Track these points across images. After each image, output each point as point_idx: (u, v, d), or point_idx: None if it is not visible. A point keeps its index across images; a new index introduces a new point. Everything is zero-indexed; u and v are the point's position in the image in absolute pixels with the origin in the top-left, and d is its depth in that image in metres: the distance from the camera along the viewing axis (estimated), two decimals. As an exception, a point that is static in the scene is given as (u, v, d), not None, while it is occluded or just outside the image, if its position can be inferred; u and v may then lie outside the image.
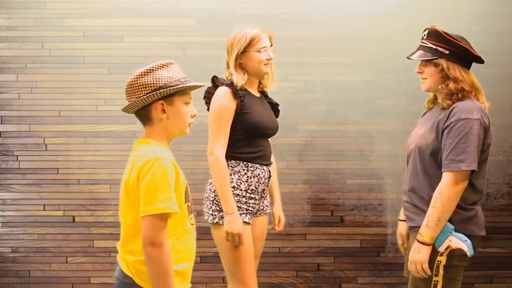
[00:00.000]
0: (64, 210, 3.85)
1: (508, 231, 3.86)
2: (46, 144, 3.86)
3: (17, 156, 3.86)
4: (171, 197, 1.92)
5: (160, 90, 1.98)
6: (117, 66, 3.81)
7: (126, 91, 2.03)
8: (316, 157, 3.87)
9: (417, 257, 2.37)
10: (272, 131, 2.92)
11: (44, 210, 3.85)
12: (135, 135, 3.82)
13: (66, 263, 3.86)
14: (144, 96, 1.98)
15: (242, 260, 2.77)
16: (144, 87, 1.99)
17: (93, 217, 3.84)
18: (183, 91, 2.04)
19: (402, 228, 2.70)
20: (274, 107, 3.02)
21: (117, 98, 3.75)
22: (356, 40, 3.87)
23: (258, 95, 2.93)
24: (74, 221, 3.86)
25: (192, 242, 2.08)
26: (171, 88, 1.98)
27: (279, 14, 3.86)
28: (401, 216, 2.71)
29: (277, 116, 3.02)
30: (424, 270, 2.36)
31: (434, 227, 2.33)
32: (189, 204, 2.10)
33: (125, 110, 2.06)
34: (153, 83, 1.98)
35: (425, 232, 2.35)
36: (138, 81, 2.00)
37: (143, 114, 2.03)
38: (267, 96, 3.02)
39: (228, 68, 2.87)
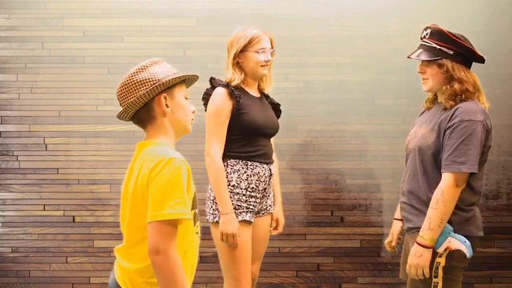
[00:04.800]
0: (64, 210, 3.85)
1: (508, 231, 3.86)
2: (46, 144, 3.86)
3: (17, 156, 3.86)
4: (183, 202, 1.76)
5: (163, 81, 1.85)
6: (117, 66, 3.80)
7: (120, 94, 1.91)
8: (316, 157, 3.87)
9: (419, 261, 2.32)
10: (271, 130, 2.92)
11: (44, 210, 3.85)
12: (135, 135, 3.82)
13: (66, 263, 3.86)
14: (146, 91, 1.85)
15: (238, 259, 2.78)
16: (142, 84, 1.86)
17: (93, 217, 3.84)
18: (181, 85, 1.94)
19: (396, 227, 2.70)
20: (276, 107, 3.02)
21: (117, 98, 3.76)
22: (356, 40, 3.87)
23: (258, 94, 2.93)
24: (74, 221, 3.86)
25: (196, 252, 1.96)
26: (173, 78, 1.87)
27: (279, 14, 3.86)
28: (397, 215, 2.70)
29: (278, 116, 3.02)
30: (423, 274, 2.33)
31: (436, 229, 2.30)
32: (196, 211, 1.95)
33: (123, 114, 1.92)
34: (151, 78, 1.87)
35: (428, 235, 2.31)
36: (133, 80, 1.88)
37: (144, 114, 1.90)
38: (268, 96, 3.01)
39: (227, 68, 2.88)
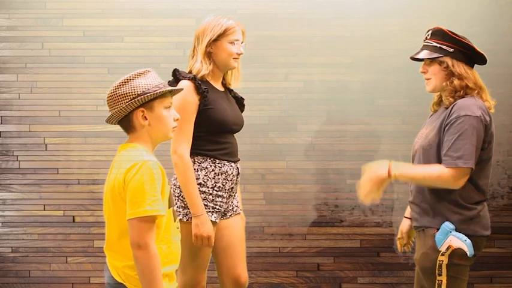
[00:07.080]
0: (64, 210, 3.85)
1: (508, 231, 3.86)
2: (46, 144, 3.86)
3: (17, 156, 3.86)
4: (158, 199, 1.94)
5: (138, 98, 2.00)
6: (117, 66, 3.80)
7: (107, 103, 2.06)
8: (316, 157, 3.87)
9: (372, 175, 2.40)
10: (237, 126, 2.82)
11: (44, 210, 3.85)
12: (135, 135, 3.82)
13: (66, 263, 3.86)
14: (124, 106, 2.00)
15: (198, 258, 2.70)
16: (122, 97, 2.01)
17: (93, 217, 3.84)
18: (163, 96, 2.06)
19: (404, 224, 2.71)
20: (239, 102, 2.92)
21: (117, 98, 3.75)
22: (356, 40, 3.87)
23: (222, 89, 2.83)
24: (74, 221, 3.85)
25: (178, 245, 2.12)
26: (149, 94, 2.01)
27: (279, 14, 3.86)
28: (407, 213, 2.71)
29: (242, 111, 2.92)
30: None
31: (407, 178, 2.45)
32: (174, 209, 2.13)
33: (108, 120, 2.08)
34: (131, 92, 2.01)
35: (398, 171, 2.38)
36: (116, 92, 2.03)
37: (125, 123, 2.06)
38: (232, 90, 2.91)
39: (192, 57, 2.77)
